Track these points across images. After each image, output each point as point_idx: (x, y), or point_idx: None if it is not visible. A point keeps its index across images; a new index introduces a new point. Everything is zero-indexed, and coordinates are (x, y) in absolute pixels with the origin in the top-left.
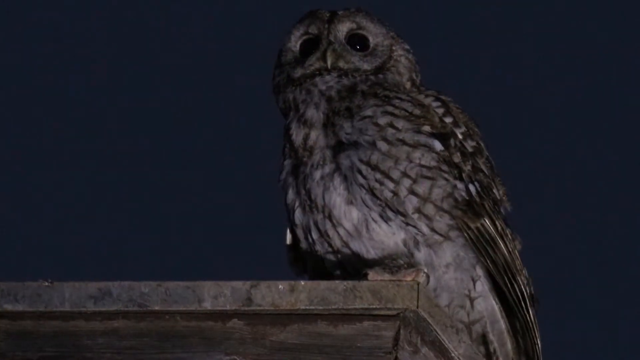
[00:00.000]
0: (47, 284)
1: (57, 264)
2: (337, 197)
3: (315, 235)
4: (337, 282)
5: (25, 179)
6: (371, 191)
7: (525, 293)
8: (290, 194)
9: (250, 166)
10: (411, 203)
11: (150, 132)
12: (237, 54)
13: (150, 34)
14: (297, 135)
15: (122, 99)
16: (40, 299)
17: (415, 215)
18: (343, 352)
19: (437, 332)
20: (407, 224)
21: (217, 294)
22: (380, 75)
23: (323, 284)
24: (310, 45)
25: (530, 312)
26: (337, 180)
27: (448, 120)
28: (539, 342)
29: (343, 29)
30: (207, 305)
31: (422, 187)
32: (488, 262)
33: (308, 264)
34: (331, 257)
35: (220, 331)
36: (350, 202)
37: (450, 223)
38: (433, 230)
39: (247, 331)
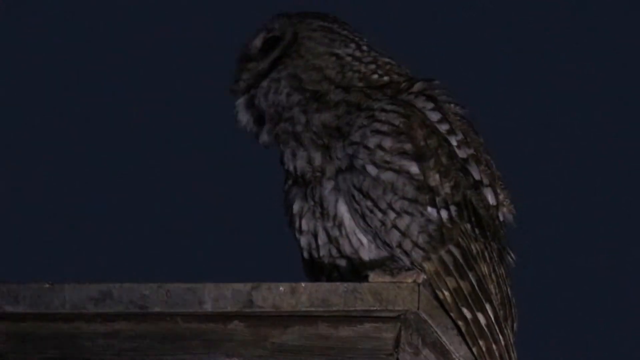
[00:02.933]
0: (47, 285)
1: (58, 265)
2: (346, 212)
3: (322, 241)
4: (337, 283)
5: (26, 179)
6: (363, 218)
7: (492, 319)
8: (297, 202)
9: (252, 167)
10: (394, 237)
11: (152, 132)
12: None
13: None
14: (296, 163)
15: (124, 99)
16: (40, 301)
17: (398, 250)
18: (344, 353)
19: (438, 334)
20: (392, 255)
21: (218, 296)
22: (281, 67)
23: (324, 285)
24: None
25: (501, 339)
26: (342, 198)
27: (444, 127)
28: None
29: (257, 44)
30: (208, 307)
31: (403, 223)
32: (446, 294)
33: (324, 270)
34: (336, 261)
35: (221, 333)
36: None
37: (423, 258)
38: (412, 264)
39: (248, 333)
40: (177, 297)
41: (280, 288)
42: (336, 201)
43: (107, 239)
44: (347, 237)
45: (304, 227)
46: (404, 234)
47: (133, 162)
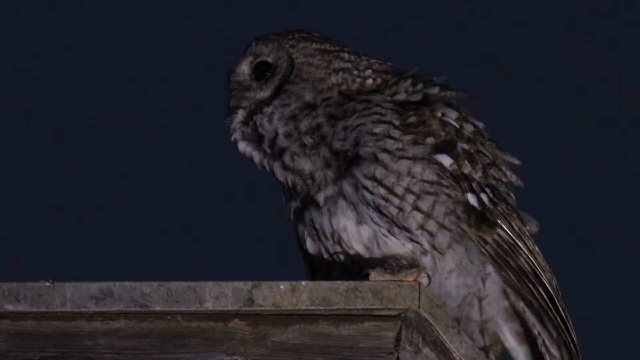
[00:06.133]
0: (48, 284)
1: (58, 264)
2: (346, 221)
3: (325, 256)
4: (338, 282)
5: (26, 178)
6: (377, 209)
7: (552, 291)
8: (299, 227)
9: (253, 166)
10: (415, 219)
11: (152, 131)
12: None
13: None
14: (287, 177)
15: (124, 98)
16: (41, 300)
17: (419, 232)
18: (344, 352)
19: (438, 333)
20: (412, 240)
21: (218, 295)
22: (287, 94)
23: (324, 284)
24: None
25: (560, 309)
26: (343, 203)
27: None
28: (574, 337)
29: (245, 70)
30: (209, 305)
31: (425, 203)
32: (510, 273)
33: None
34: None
35: (222, 332)
36: (360, 222)
37: (450, 239)
38: (434, 246)
39: (248, 331)
40: (177, 296)
41: (281, 287)
42: (331, 217)
43: (108, 237)
44: (346, 252)
45: (310, 250)
46: (427, 215)
47: (133, 161)
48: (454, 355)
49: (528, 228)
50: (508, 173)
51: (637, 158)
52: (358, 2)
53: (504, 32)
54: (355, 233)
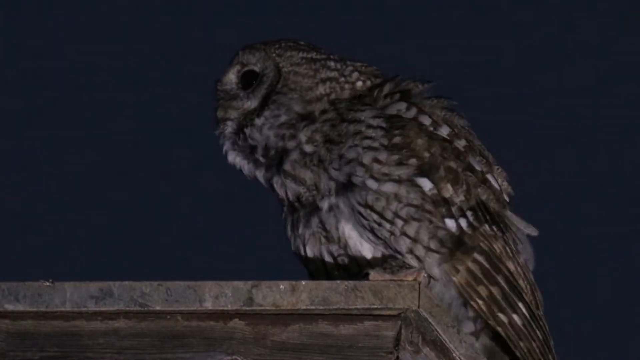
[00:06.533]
0: (48, 283)
1: (58, 263)
2: (351, 232)
3: (329, 265)
4: (338, 282)
5: (26, 178)
6: (372, 231)
7: (528, 317)
8: (300, 229)
9: (243, 177)
10: (405, 244)
11: (152, 131)
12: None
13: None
14: (287, 190)
15: (124, 97)
16: (41, 299)
17: (409, 255)
18: (344, 352)
19: (438, 332)
20: (404, 263)
21: (218, 294)
22: (276, 104)
23: (324, 283)
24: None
25: (536, 335)
26: (344, 216)
27: (426, 121)
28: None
29: (232, 79)
30: (208, 305)
31: (412, 229)
32: (480, 303)
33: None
34: (341, 271)
35: (222, 331)
36: (361, 234)
37: (439, 260)
38: (424, 270)
39: (248, 331)
40: (177, 295)
41: (281, 286)
42: (337, 222)
43: (108, 237)
44: (354, 258)
45: (309, 253)
46: (414, 240)
47: (133, 160)
48: (454, 354)
49: (515, 248)
50: (499, 183)
51: (637, 158)
52: (358, 2)
53: (504, 32)
54: (359, 240)
